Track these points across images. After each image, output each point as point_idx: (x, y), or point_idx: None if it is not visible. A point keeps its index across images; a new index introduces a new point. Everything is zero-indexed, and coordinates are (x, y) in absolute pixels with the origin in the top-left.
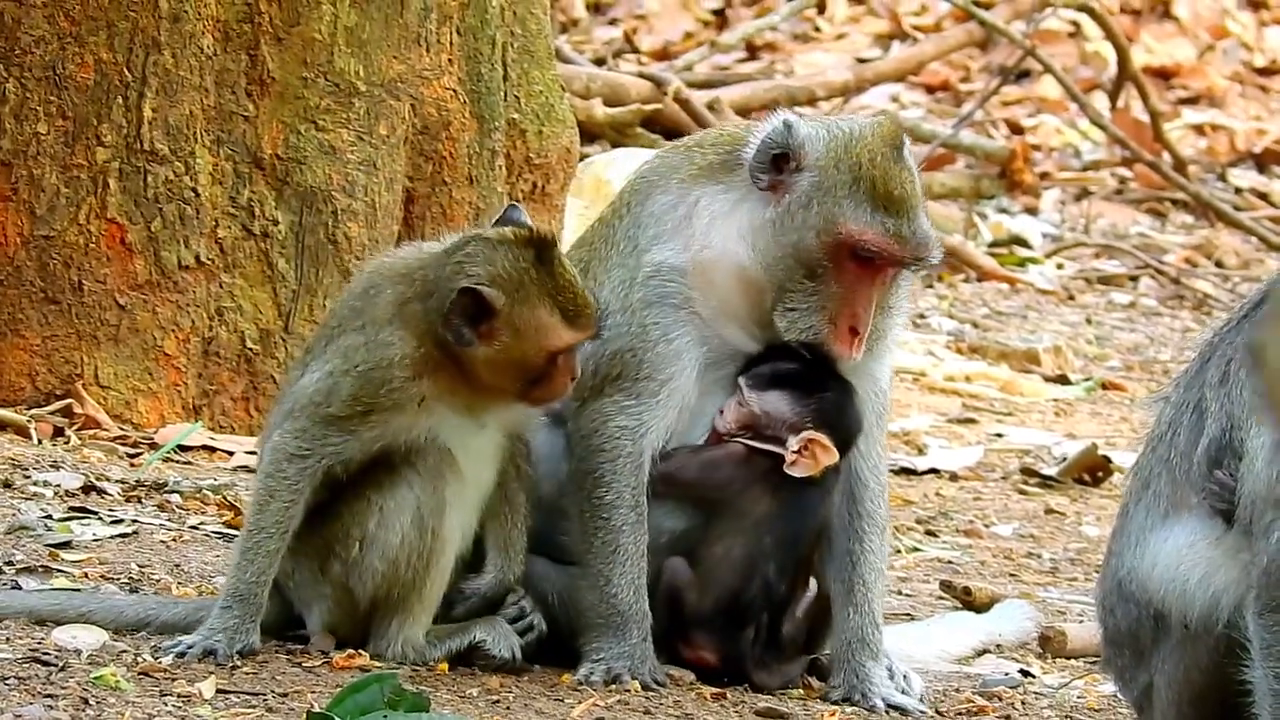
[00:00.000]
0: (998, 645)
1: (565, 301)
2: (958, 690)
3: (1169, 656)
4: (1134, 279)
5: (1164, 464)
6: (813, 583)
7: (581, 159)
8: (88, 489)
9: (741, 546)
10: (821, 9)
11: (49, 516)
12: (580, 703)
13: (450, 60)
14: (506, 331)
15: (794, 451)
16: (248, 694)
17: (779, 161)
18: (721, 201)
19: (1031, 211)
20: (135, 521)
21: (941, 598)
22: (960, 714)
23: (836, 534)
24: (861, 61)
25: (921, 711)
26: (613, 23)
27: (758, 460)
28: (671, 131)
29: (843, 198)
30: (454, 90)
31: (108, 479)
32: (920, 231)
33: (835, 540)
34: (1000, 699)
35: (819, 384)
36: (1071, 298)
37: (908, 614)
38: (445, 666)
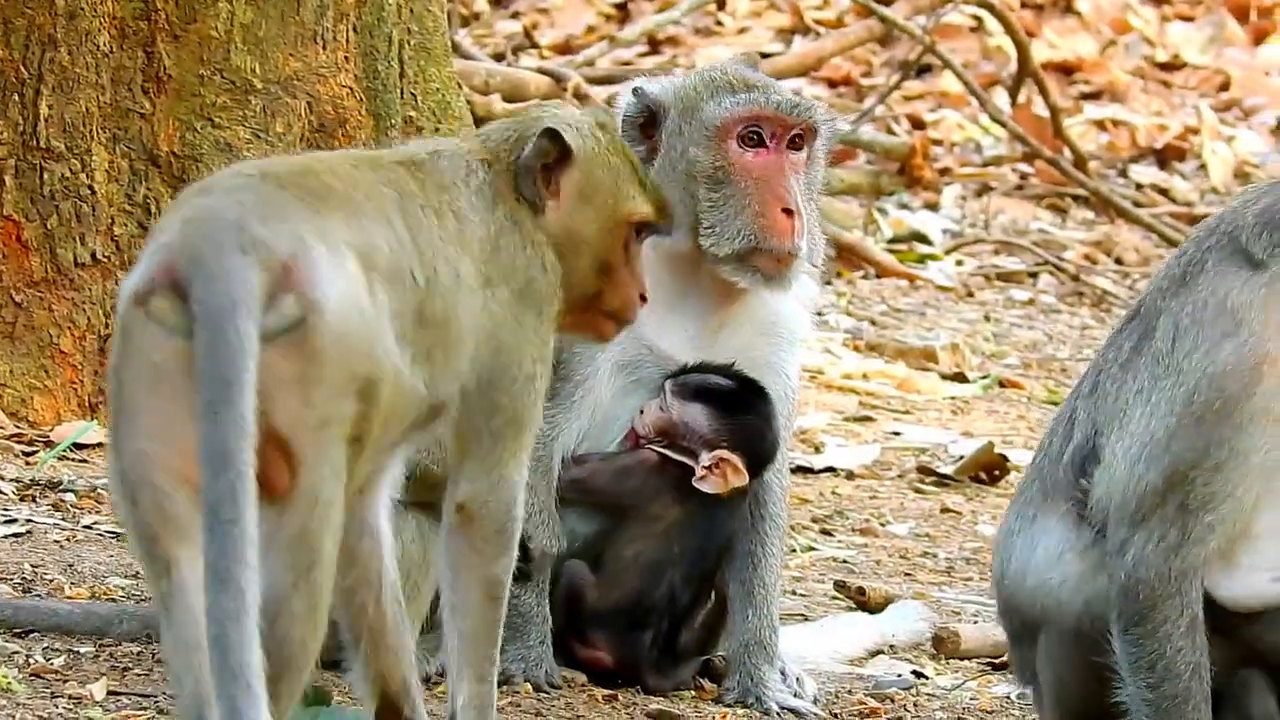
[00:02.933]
0: (891, 646)
1: (640, 174)
2: (850, 692)
3: (1046, 658)
4: (1033, 275)
5: (1037, 471)
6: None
7: None
8: None
9: (651, 551)
10: (722, 4)
11: None
12: None
13: (346, 58)
14: (580, 191)
15: (705, 467)
16: (139, 695)
17: (646, 128)
18: None
19: (932, 207)
20: (29, 521)
21: (836, 598)
22: (853, 716)
23: (739, 535)
24: (764, 56)
25: (814, 714)
26: (515, 16)
27: (670, 469)
28: None
29: (707, 102)
30: (350, 88)
31: (2, 477)
32: (787, 94)
33: (737, 541)
34: (893, 700)
35: (744, 405)
36: (971, 294)
37: (802, 614)
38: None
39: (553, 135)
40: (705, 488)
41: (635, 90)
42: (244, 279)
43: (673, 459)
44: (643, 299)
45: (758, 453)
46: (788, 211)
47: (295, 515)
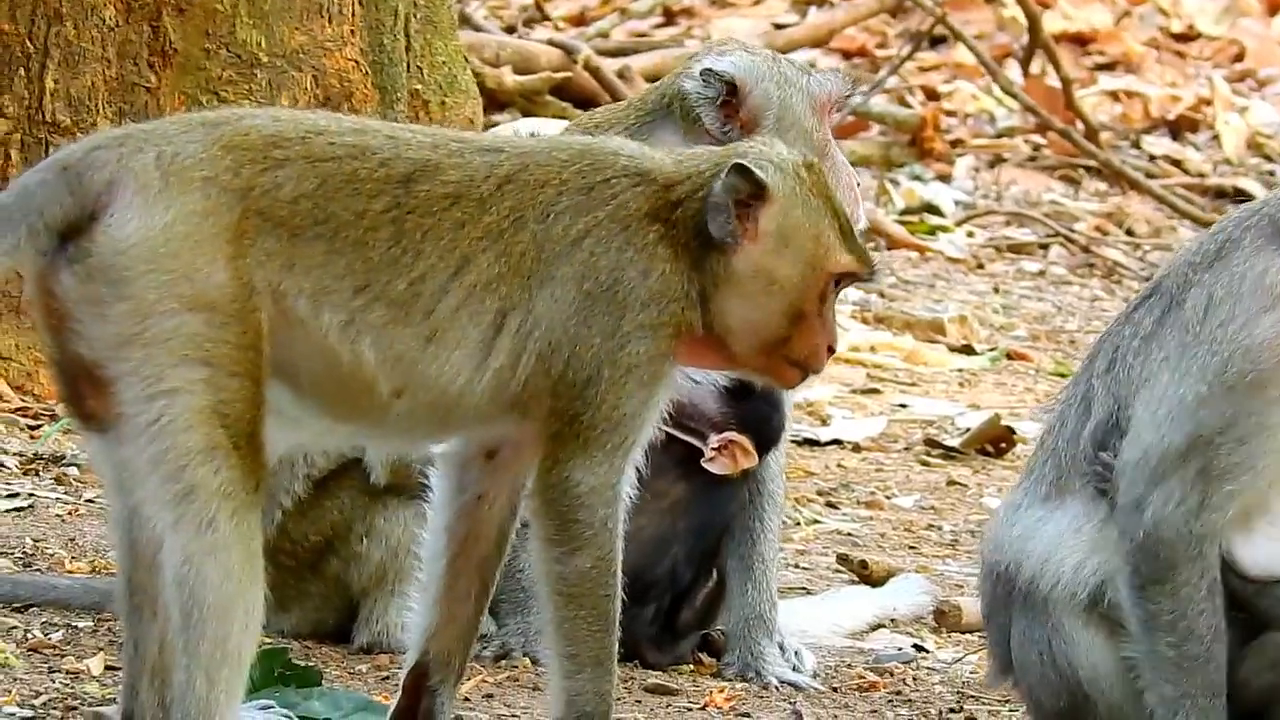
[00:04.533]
0: (893, 620)
1: (845, 221)
2: (850, 665)
3: (1037, 639)
4: (1044, 247)
5: (1049, 452)
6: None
7: (488, 128)
8: None
9: (654, 528)
10: None
11: None
12: (470, 679)
13: (352, 31)
14: (778, 232)
15: (714, 449)
16: None
17: (725, 105)
18: None
19: (945, 179)
20: (31, 495)
21: (838, 571)
22: (852, 689)
23: (737, 512)
24: (778, 27)
25: (813, 688)
26: None
27: (675, 447)
28: (581, 100)
29: (805, 78)
30: (356, 61)
31: (5, 451)
32: None
33: (735, 517)
34: (892, 674)
35: (751, 388)
36: (981, 266)
37: (804, 587)
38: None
39: (744, 172)
40: (715, 469)
41: (704, 72)
42: None
43: (679, 438)
44: (830, 350)
45: (765, 435)
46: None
47: None
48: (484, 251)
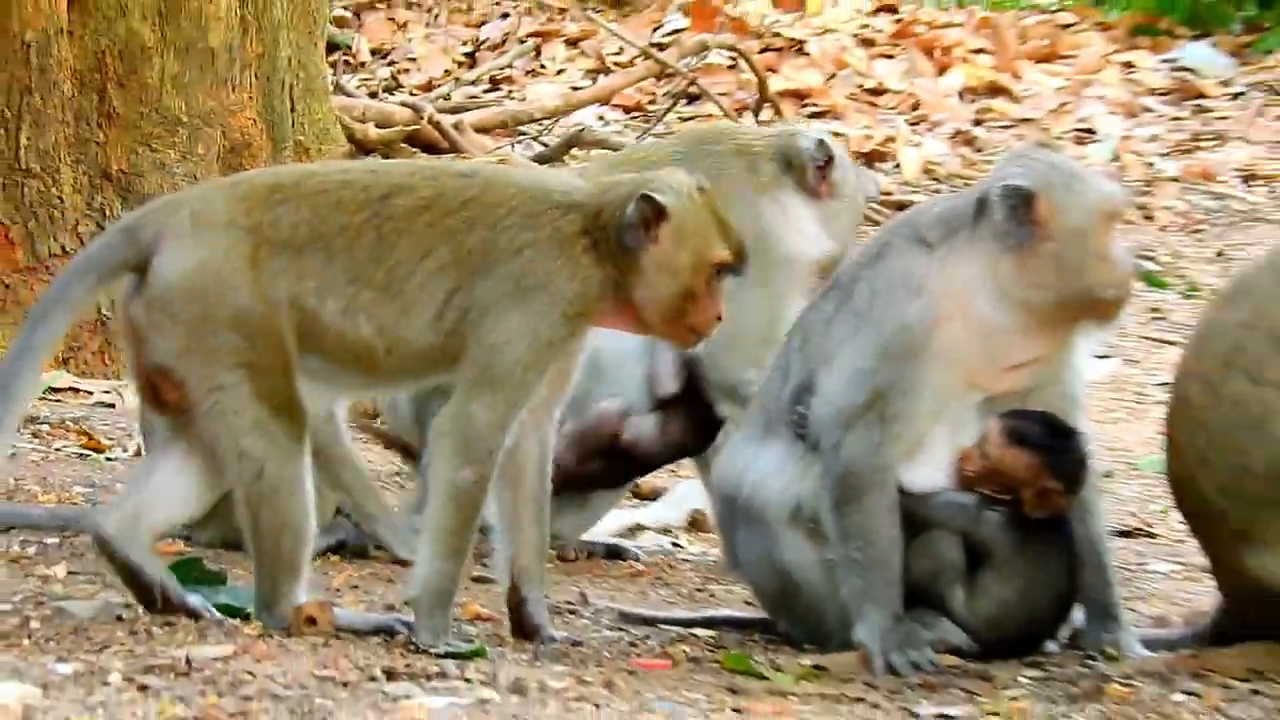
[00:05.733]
0: (665, 529)
1: (726, 226)
2: (624, 559)
3: (756, 543)
4: None
5: (761, 406)
6: None
7: None
8: None
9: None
10: (539, 52)
11: None
12: (339, 574)
13: (250, 97)
14: (674, 238)
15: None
16: (90, 574)
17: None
18: None
19: None
20: (14, 446)
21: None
22: (625, 575)
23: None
24: (574, 89)
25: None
26: (391, 64)
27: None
28: (426, 147)
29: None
30: (254, 119)
31: None
32: None
33: None
34: (657, 564)
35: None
36: None
37: None
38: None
39: (649, 198)
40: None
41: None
42: None
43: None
44: (718, 319)
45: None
46: None
47: None
48: (442, 245)
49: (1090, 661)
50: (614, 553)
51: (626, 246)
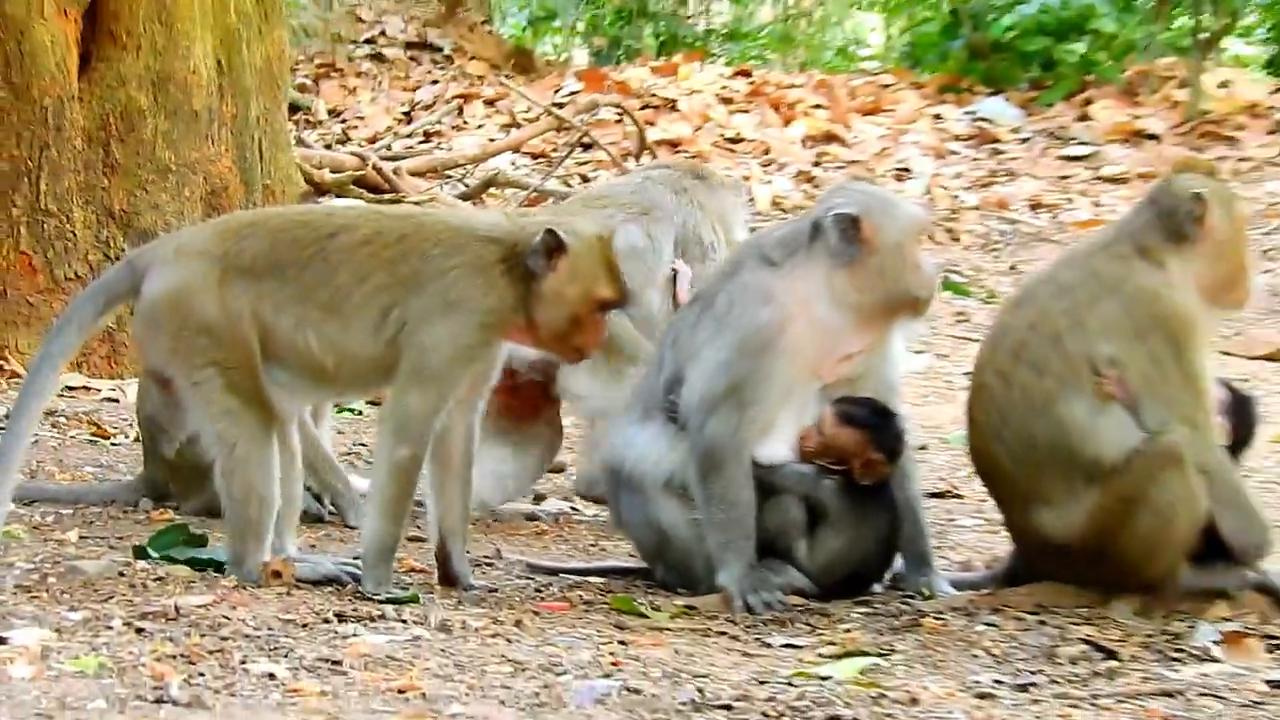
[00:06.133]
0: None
1: (614, 271)
2: (530, 520)
3: (637, 506)
4: None
5: (639, 394)
6: None
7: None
8: (7, 416)
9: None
10: (461, 110)
11: None
12: (300, 535)
13: (226, 150)
14: (569, 271)
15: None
16: (99, 538)
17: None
18: None
19: None
20: (36, 434)
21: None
22: (531, 534)
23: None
24: (491, 140)
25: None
26: (343, 121)
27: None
28: (371, 188)
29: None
30: (230, 167)
31: None
32: None
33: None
34: (556, 523)
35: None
36: None
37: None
38: None
39: (552, 234)
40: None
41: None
42: None
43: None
44: (596, 344)
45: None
46: None
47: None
48: (380, 271)
49: (909, 600)
50: (528, 516)
51: (531, 272)
